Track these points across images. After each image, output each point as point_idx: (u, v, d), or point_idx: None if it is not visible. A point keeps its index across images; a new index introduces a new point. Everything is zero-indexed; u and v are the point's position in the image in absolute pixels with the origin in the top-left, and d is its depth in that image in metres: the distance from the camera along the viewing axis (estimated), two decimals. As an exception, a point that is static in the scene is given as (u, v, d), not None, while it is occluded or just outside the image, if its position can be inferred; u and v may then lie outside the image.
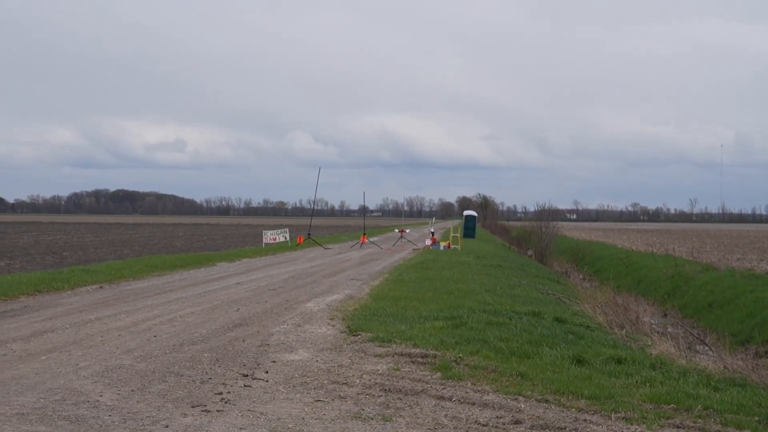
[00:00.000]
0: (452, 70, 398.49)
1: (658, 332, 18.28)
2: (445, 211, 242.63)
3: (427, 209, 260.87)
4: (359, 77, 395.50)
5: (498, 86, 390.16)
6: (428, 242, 45.18)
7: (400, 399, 8.94)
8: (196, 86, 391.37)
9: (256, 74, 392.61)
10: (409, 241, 49.78)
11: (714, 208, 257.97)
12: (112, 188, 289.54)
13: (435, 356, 11.04)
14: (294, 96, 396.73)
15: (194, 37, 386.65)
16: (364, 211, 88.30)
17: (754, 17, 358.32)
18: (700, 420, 8.62)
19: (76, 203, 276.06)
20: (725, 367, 12.43)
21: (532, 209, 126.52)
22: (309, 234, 47.44)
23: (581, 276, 42.11)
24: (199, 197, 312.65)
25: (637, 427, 8.21)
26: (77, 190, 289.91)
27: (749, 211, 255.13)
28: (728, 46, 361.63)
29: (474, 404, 8.79)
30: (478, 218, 77.87)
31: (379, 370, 10.30)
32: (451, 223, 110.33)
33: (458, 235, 49.35)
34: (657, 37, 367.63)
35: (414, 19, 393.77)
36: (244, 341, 12.21)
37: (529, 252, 58.90)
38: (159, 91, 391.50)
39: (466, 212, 73.61)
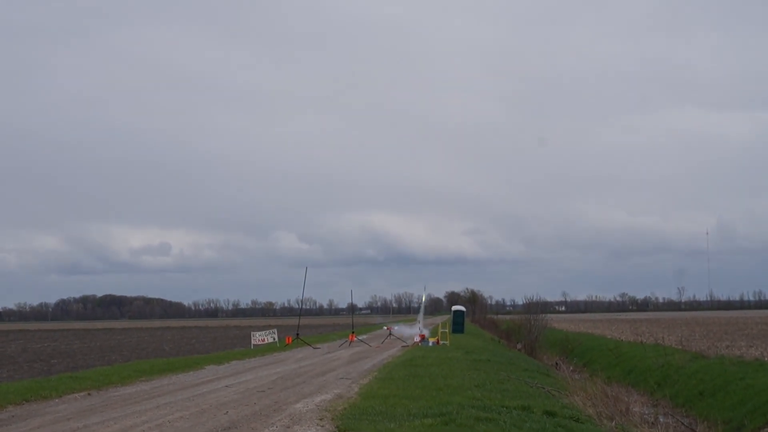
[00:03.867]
0: (432, 165, 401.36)
1: (648, 422, 18.31)
2: (433, 306, 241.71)
3: (416, 305, 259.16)
4: (340, 176, 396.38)
5: (480, 180, 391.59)
6: (417, 339, 45.12)
7: (390, 498, 8.95)
8: (177, 189, 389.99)
9: (237, 175, 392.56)
10: (398, 338, 49.64)
11: (702, 296, 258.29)
12: (100, 293, 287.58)
13: (424, 453, 11.06)
14: (276, 196, 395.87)
15: (175, 140, 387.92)
16: (352, 309, 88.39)
17: (730, 106, 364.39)
18: None
19: (64, 310, 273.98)
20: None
21: (520, 302, 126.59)
22: (297, 334, 47.29)
23: (571, 368, 41.92)
24: (187, 300, 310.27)
25: None
26: (64, 297, 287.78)
27: (737, 298, 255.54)
28: (705, 134, 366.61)
29: (464, 500, 8.82)
30: (466, 313, 77.75)
31: (368, 469, 10.31)
32: (440, 319, 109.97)
33: (447, 330, 49.27)
34: (635, 127, 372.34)
35: (392, 116, 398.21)
36: (233, 444, 12.19)
37: (519, 345, 58.67)
38: (140, 195, 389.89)
39: (455, 307, 73.47)
